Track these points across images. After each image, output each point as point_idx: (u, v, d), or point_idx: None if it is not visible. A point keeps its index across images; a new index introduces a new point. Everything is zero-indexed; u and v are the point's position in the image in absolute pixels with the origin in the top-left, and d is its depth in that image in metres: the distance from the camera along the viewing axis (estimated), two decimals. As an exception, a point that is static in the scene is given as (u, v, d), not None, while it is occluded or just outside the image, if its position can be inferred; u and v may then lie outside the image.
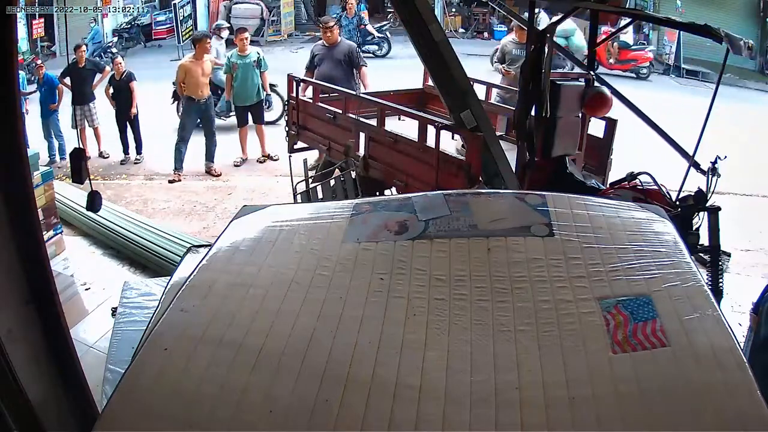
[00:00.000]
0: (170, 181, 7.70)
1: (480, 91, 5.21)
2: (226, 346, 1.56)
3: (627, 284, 1.69)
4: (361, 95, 5.53)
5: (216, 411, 1.40)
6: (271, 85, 8.36)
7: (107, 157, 8.58)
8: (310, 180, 5.20)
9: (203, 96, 7.69)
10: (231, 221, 2.17)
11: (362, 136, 5.04)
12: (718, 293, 3.18)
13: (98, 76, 8.59)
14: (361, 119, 5.15)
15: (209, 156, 7.81)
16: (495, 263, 1.79)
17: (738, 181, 6.56)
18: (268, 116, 8.56)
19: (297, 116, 5.82)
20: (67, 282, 4.66)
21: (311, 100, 5.73)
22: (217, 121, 8.26)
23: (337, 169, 5.20)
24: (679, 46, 13.96)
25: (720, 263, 3.38)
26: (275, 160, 8.07)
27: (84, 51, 8.37)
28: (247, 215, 2.19)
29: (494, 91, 6.24)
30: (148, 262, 5.30)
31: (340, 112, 5.28)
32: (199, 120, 7.86)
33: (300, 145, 6.03)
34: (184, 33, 15.29)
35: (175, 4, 16.14)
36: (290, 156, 5.98)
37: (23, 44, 13.37)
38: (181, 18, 16.25)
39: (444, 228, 1.96)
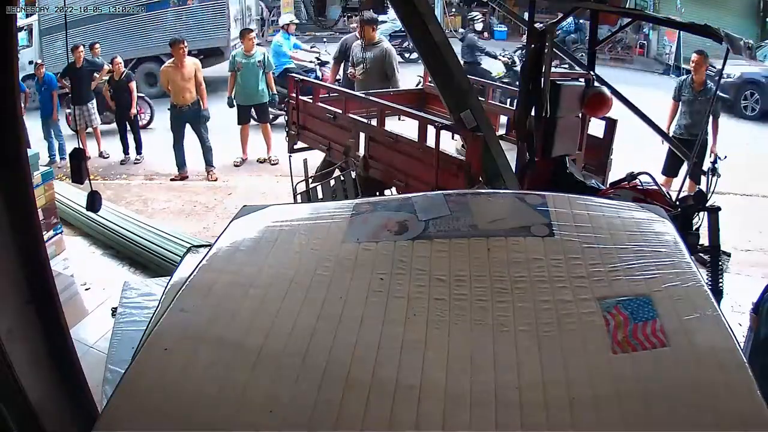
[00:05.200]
0: (172, 179, 7.72)
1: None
2: (226, 346, 1.56)
3: (627, 284, 1.68)
4: (361, 95, 5.53)
5: (216, 411, 1.39)
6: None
7: (107, 157, 8.58)
8: (310, 180, 5.20)
9: (186, 102, 7.49)
10: (231, 221, 2.17)
11: (362, 136, 5.04)
12: (718, 293, 3.17)
13: (96, 75, 8.59)
14: (361, 119, 5.15)
15: (206, 161, 7.78)
16: (495, 263, 1.79)
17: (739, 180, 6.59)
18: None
19: (297, 116, 5.82)
20: (67, 282, 4.67)
21: (311, 100, 5.73)
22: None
23: (337, 169, 5.20)
24: (679, 46, 13.97)
25: (720, 263, 3.38)
26: (274, 164, 8.06)
27: (81, 51, 8.32)
28: (247, 215, 2.19)
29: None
30: (148, 262, 5.30)
31: (340, 112, 5.28)
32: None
33: (300, 145, 6.03)
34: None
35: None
36: (290, 156, 5.98)
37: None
38: (181, 18, 16.22)
39: (444, 228, 1.95)
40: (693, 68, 6.42)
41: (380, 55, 6.62)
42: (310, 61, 9.94)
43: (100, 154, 8.61)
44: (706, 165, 4.34)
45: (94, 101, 8.55)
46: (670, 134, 6.42)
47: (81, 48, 8.34)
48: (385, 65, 6.64)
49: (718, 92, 6.44)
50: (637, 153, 6.14)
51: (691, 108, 6.32)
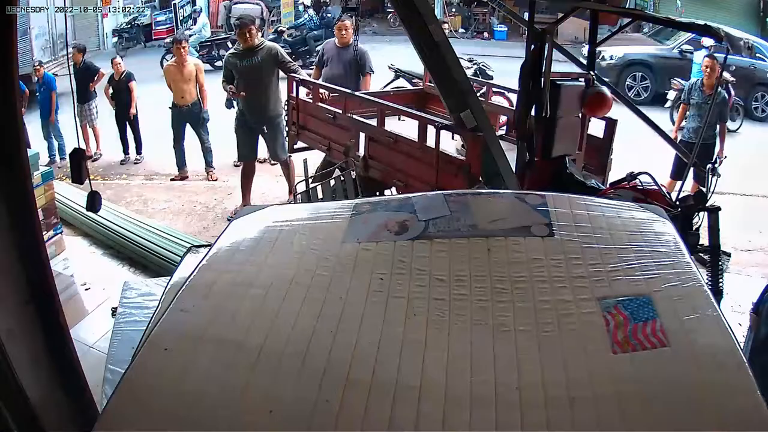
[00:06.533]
0: (172, 179, 7.72)
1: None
2: (226, 346, 1.57)
3: (627, 284, 1.68)
4: (361, 95, 5.53)
5: (216, 411, 1.40)
6: None
7: (96, 159, 8.51)
8: (310, 180, 5.21)
9: (186, 102, 7.46)
10: (231, 221, 2.17)
11: (362, 136, 5.04)
12: (718, 293, 3.17)
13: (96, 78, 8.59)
14: (361, 119, 5.15)
15: (206, 161, 7.76)
16: (495, 263, 1.79)
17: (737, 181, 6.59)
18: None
19: (297, 116, 5.82)
20: (67, 282, 4.67)
21: (311, 100, 5.73)
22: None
23: (337, 169, 5.20)
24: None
25: (720, 263, 3.37)
26: (274, 164, 8.04)
27: (80, 52, 8.32)
28: (247, 215, 2.19)
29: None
30: (148, 262, 5.30)
31: (340, 112, 5.28)
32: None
33: (300, 145, 6.04)
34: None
35: (175, 4, 16.18)
36: (290, 156, 5.98)
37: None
38: (181, 18, 16.28)
39: (444, 228, 1.95)
40: (705, 72, 6.39)
41: (269, 57, 6.08)
42: None
43: (93, 155, 8.56)
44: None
45: (95, 102, 8.55)
46: (679, 138, 6.43)
47: (80, 49, 8.36)
48: (280, 65, 6.12)
49: (724, 95, 6.46)
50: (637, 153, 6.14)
51: (700, 111, 6.30)
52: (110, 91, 8.43)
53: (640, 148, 6.14)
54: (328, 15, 15.17)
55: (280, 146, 6.38)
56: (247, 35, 6.06)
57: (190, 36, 14.30)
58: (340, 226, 2.01)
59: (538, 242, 1.87)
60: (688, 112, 6.55)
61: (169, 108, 7.64)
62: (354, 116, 5.19)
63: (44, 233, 4.01)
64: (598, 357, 1.47)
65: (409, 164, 4.62)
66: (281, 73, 6.20)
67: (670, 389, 1.38)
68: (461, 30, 17.85)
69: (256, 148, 6.47)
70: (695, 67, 9.70)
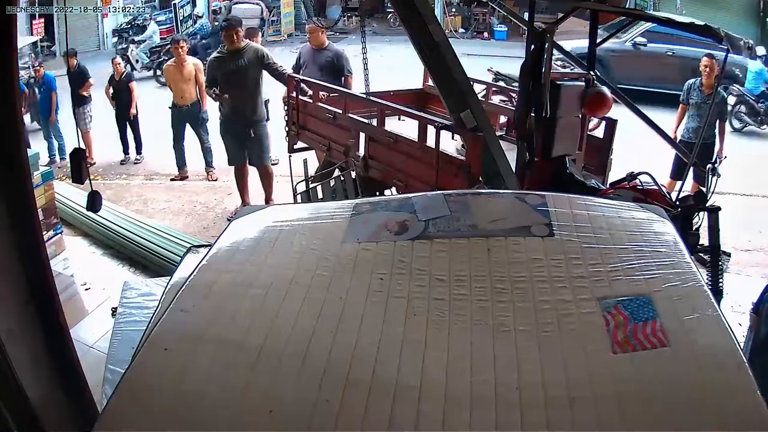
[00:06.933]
0: (172, 179, 7.72)
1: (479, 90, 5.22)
2: (226, 346, 1.57)
3: (627, 284, 1.68)
4: (361, 95, 5.53)
5: (216, 411, 1.40)
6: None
7: (92, 164, 8.47)
8: (310, 180, 5.21)
9: (186, 102, 7.45)
10: (231, 221, 2.17)
11: (362, 136, 5.04)
12: (718, 293, 3.17)
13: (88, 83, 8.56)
14: (361, 119, 5.15)
15: (206, 161, 7.76)
16: (495, 263, 1.79)
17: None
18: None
19: (297, 116, 5.82)
20: (67, 282, 4.67)
21: (311, 100, 5.73)
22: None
23: (337, 169, 5.20)
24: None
25: (720, 263, 3.37)
26: (274, 164, 8.04)
27: (74, 57, 8.33)
28: (247, 215, 2.20)
29: None
30: (148, 262, 5.30)
31: (340, 112, 5.28)
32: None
33: (300, 145, 6.03)
34: (183, 33, 15.34)
35: (175, 4, 16.17)
36: (290, 156, 5.98)
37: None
38: (181, 18, 16.28)
39: (444, 228, 1.95)
40: (703, 72, 6.38)
41: (255, 59, 6.01)
42: None
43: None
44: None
45: (88, 106, 8.50)
46: (678, 138, 6.43)
47: (72, 54, 8.37)
48: (266, 68, 6.07)
49: (723, 95, 6.46)
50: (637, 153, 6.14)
51: (699, 111, 6.30)
52: (110, 91, 8.43)
53: (640, 148, 6.14)
54: (216, 23, 15.28)
55: (264, 151, 6.36)
56: (234, 37, 5.97)
57: (141, 42, 14.33)
58: (340, 226, 2.01)
59: (538, 242, 1.87)
60: (687, 113, 6.55)
61: (169, 108, 7.64)
62: (354, 116, 5.19)
63: (44, 233, 4.02)
64: (598, 357, 1.47)
65: (409, 164, 4.62)
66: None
67: (670, 389, 1.38)
68: (461, 30, 17.85)
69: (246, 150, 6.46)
70: (749, 74, 9.85)
